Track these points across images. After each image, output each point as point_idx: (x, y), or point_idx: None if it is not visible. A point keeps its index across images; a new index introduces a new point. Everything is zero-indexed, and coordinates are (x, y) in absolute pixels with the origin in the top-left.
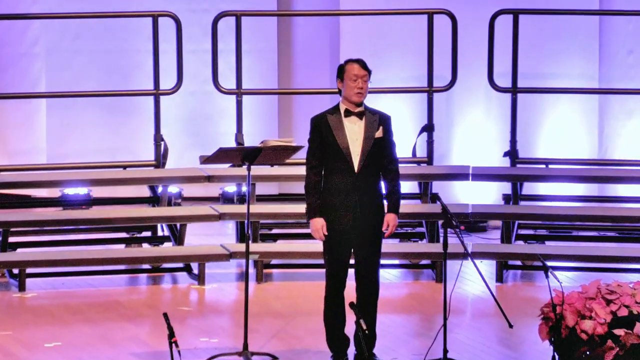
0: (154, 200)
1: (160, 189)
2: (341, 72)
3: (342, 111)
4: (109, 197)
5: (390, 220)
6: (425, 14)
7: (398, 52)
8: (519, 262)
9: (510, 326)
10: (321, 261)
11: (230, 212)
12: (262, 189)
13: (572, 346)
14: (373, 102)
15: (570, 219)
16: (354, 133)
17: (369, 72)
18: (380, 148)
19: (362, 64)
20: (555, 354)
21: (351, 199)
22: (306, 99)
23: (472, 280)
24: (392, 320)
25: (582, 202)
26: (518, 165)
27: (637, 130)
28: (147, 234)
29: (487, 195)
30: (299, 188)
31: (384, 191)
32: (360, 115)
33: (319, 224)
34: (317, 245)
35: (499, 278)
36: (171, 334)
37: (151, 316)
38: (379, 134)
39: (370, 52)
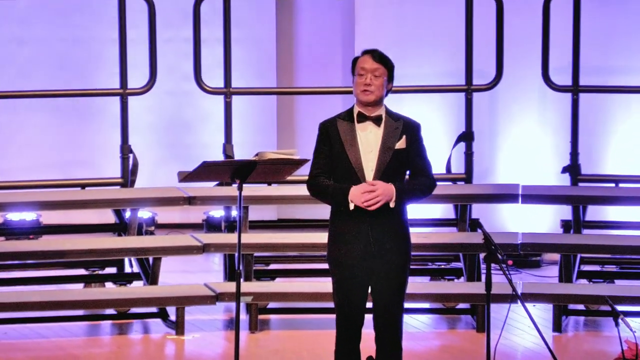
0: (120, 228)
1: (128, 214)
2: (353, 66)
3: (355, 115)
4: (63, 224)
5: (381, 185)
6: None
7: (428, 42)
8: (581, 307)
9: None
10: (330, 304)
11: (217, 243)
12: (256, 213)
13: None
14: (396, 105)
15: None
16: (368, 143)
17: (388, 66)
18: (403, 163)
19: (374, 55)
20: None
21: (363, 226)
22: (312, 100)
23: (522, 329)
24: None
25: None
26: (580, 184)
27: None
28: (112, 270)
29: (541, 221)
30: (303, 212)
31: (408, 216)
32: (377, 120)
33: (356, 190)
34: (325, 285)
35: (557, 326)
36: None
37: None
38: (400, 144)
39: (392, 42)
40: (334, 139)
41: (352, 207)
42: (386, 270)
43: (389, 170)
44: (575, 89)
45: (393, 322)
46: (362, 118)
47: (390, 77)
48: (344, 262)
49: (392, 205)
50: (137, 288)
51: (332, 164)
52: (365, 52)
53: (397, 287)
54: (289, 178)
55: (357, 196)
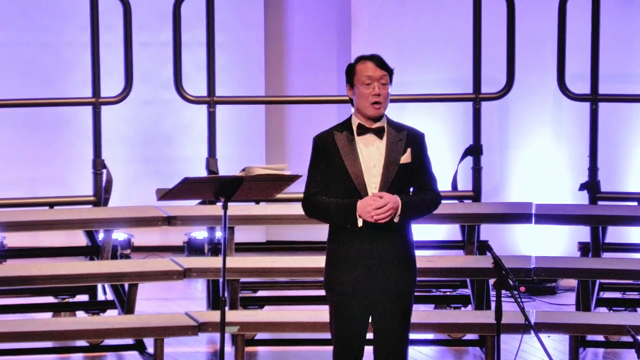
0: (93, 251)
1: (101, 236)
2: (350, 74)
3: (354, 127)
4: (29, 247)
5: (388, 197)
6: None
7: (431, 46)
8: (601, 338)
9: None
10: (325, 335)
11: (199, 268)
12: (243, 234)
13: None
14: (396, 116)
15: None
16: (370, 157)
17: (389, 71)
18: (408, 178)
19: (377, 61)
20: None
21: (366, 248)
22: (304, 110)
23: None
24: None
25: None
26: (599, 203)
27: None
28: (83, 298)
29: (556, 244)
30: (295, 234)
31: (414, 237)
32: (379, 132)
33: (364, 203)
34: (319, 314)
35: (574, 359)
36: None
37: None
38: (405, 158)
39: (392, 46)
40: (332, 154)
41: (360, 223)
42: (390, 298)
43: (394, 187)
44: (594, 98)
45: (398, 354)
46: (363, 130)
47: (390, 83)
48: (344, 289)
49: (396, 219)
50: (111, 317)
51: (330, 180)
52: (367, 58)
53: (402, 317)
54: (279, 196)
55: (365, 211)
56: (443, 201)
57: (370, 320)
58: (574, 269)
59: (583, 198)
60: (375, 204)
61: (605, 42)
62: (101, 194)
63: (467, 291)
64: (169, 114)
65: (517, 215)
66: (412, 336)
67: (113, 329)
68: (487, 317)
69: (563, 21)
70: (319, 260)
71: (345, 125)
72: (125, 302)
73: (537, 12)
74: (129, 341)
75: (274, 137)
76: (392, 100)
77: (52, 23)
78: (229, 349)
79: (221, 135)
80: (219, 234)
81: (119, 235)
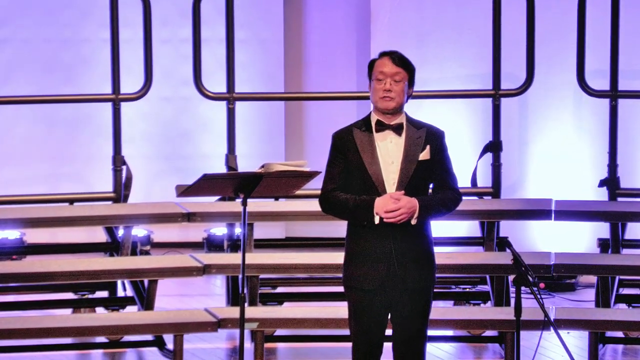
0: (113, 247)
1: (121, 232)
2: (370, 69)
3: (372, 124)
4: (49, 244)
5: (404, 202)
6: None
7: (451, 42)
8: (620, 334)
9: None
10: (344, 331)
11: (219, 264)
12: (262, 231)
13: None
14: (416, 111)
15: None
16: (388, 154)
17: (409, 70)
18: (427, 175)
19: (394, 58)
20: None
21: (385, 245)
22: (323, 107)
23: (555, 359)
24: None
25: None
26: (619, 199)
27: None
28: (103, 294)
29: (576, 240)
30: (313, 230)
31: (433, 234)
32: (398, 129)
33: (382, 201)
34: (338, 310)
35: (593, 356)
36: None
37: None
38: (424, 155)
39: (413, 43)
40: (350, 150)
41: (377, 220)
42: (409, 295)
43: (413, 184)
44: (613, 94)
45: (415, 352)
46: (381, 126)
47: (411, 82)
48: (362, 286)
49: (413, 222)
50: (131, 313)
51: (349, 177)
52: (384, 54)
53: (420, 314)
54: (298, 192)
55: (382, 209)
56: (463, 198)
57: (389, 317)
58: (593, 266)
59: (603, 194)
60: (387, 207)
61: (625, 38)
62: (121, 190)
63: (487, 288)
64: (189, 111)
65: (537, 211)
66: (432, 333)
67: (132, 325)
68: (506, 313)
69: (583, 17)
70: (338, 257)
71: (364, 121)
72: (145, 298)
73: (556, 7)
74: (149, 337)
75: (293, 134)
76: (412, 97)
77: (71, 20)
78: (248, 345)
79: (240, 131)
80: (238, 230)
81: (139, 231)
